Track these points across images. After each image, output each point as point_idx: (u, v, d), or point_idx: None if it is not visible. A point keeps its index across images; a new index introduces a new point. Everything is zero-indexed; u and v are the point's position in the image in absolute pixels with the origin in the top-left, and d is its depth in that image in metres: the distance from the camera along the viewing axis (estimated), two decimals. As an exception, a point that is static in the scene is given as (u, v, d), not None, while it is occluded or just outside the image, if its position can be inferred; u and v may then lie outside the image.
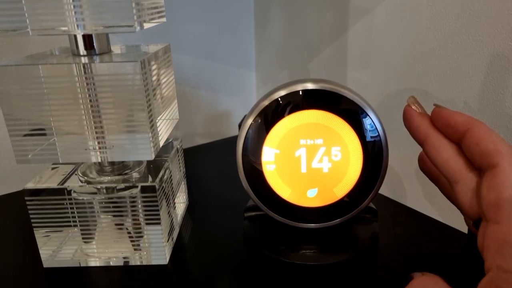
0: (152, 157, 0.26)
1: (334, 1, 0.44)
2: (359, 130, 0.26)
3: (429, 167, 0.27)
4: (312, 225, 0.28)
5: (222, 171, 0.43)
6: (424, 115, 0.24)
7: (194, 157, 0.48)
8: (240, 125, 0.28)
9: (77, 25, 0.22)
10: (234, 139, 0.28)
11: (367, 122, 0.26)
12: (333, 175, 0.27)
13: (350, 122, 0.26)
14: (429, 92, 0.36)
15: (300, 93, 0.26)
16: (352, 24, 0.42)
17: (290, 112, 0.26)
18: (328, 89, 0.26)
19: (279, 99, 0.26)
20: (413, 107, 0.24)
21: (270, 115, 0.26)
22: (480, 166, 0.21)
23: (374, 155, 0.26)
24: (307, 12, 0.48)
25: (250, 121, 0.27)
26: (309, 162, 0.27)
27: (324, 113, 0.26)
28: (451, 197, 0.24)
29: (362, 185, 0.27)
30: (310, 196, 0.28)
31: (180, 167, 0.35)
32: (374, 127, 0.26)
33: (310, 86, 0.26)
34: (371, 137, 0.26)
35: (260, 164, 0.27)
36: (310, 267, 0.27)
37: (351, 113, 0.26)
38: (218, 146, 0.52)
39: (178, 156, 0.34)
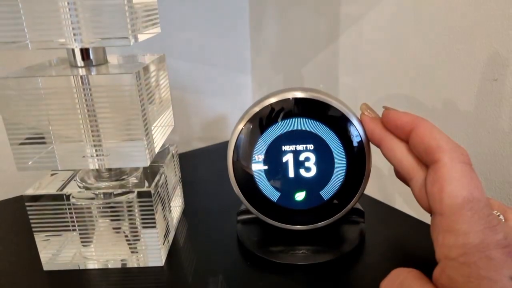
0: (147, 163, 0.27)
1: (326, 8, 0.45)
2: (344, 136, 0.27)
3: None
4: (302, 227, 0.30)
5: (217, 175, 0.44)
6: (376, 119, 0.25)
7: (190, 161, 0.49)
8: None
9: (75, 39, 0.24)
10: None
11: (351, 129, 0.27)
12: (320, 179, 0.28)
13: (335, 129, 0.27)
14: (415, 97, 0.37)
15: (290, 100, 0.27)
16: (343, 31, 0.43)
17: (280, 118, 0.27)
18: (317, 98, 0.27)
19: (270, 106, 0.27)
20: (365, 113, 0.26)
21: (260, 121, 0.27)
22: (426, 162, 0.22)
23: (358, 160, 0.28)
24: (300, 18, 0.49)
25: (240, 126, 0.28)
26: (297, 167, 0.28)
27: (311, 121, 0.27)
28: None
29: (347, 188, 0.28)
30: (298, 199, 0.29)
31: (175, 171, 0.36)
32: (358, 133, 0.27)
33: (299, 94, 0.27)
34: (356, 142, 0.27)
35: (250, 168, 0.28)
36: (300, 267, 0.28)
37: (337, 120, 0.27)
38: (214, 150, 0.53)
39: (174, 161, 0.35)
